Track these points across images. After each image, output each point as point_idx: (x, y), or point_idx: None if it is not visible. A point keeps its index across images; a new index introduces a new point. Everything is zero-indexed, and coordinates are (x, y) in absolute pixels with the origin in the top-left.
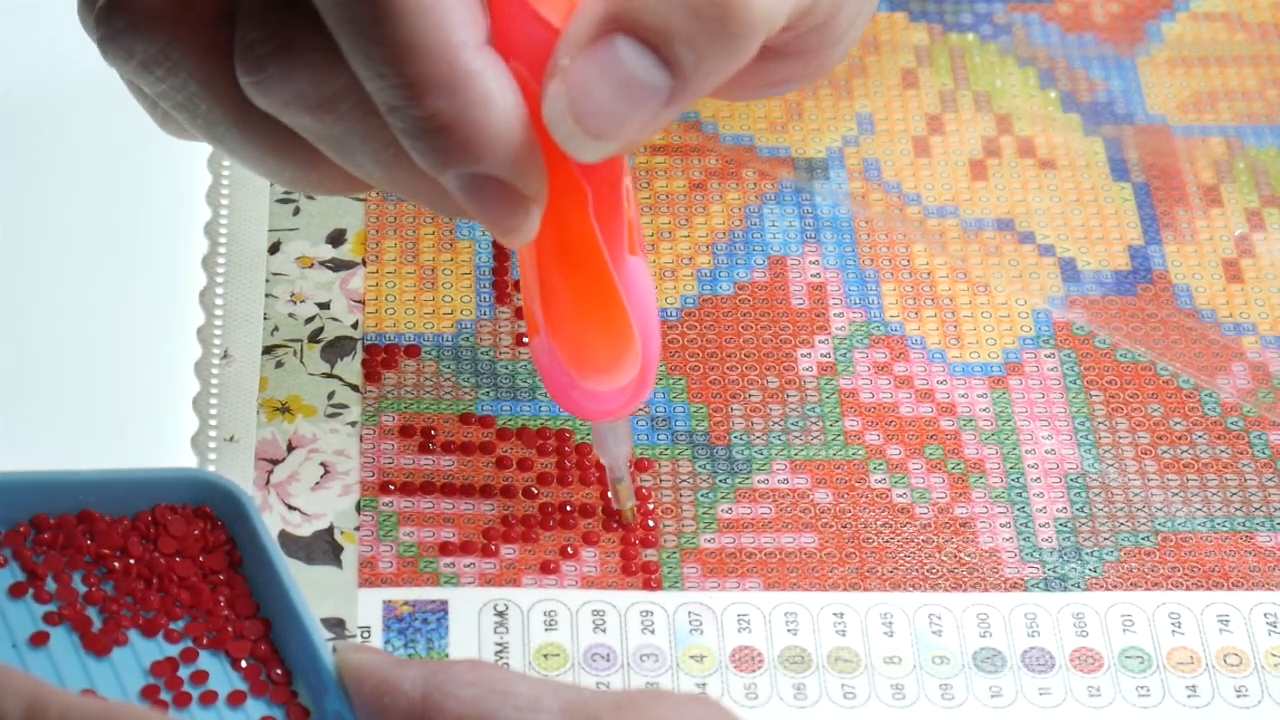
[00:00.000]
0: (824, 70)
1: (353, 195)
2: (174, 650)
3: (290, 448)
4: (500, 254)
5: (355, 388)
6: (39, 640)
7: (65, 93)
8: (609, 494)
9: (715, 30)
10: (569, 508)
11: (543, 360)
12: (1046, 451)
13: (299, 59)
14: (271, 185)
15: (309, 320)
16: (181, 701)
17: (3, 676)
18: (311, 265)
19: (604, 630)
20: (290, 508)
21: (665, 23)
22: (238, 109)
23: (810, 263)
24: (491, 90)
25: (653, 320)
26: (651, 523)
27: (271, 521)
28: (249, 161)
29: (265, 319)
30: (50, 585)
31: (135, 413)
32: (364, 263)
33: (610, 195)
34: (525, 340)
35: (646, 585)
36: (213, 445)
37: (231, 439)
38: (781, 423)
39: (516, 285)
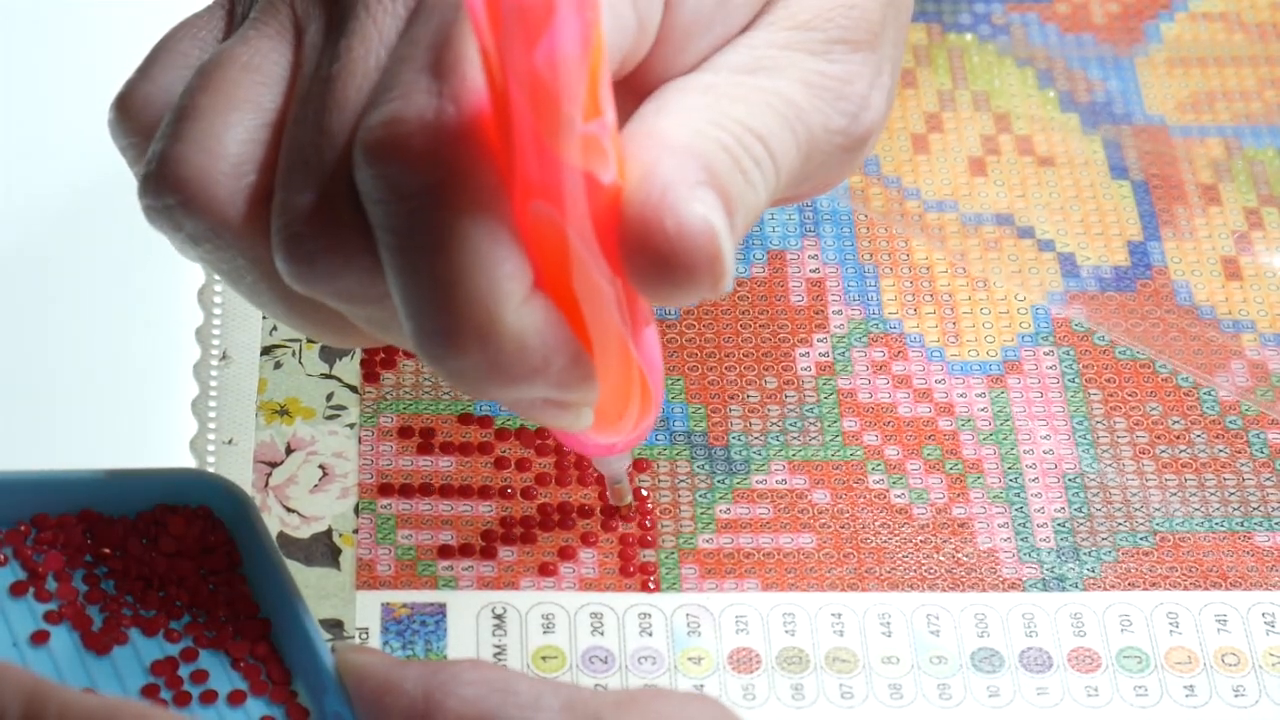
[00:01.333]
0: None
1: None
2: (174, 649)
3: (289, 450)
4: None
5: (354, 389)
6: (39, 639)
7: (65, 93)
8: (608, 493)
9: (750, 217)
10: (568, 508)
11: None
12: (1045, 452)
13: (351, 261)
14: None
15: None
16: (181, 700)
17: (2, 673)
18: None
19: (602, 633)
20: (289, 510)
21: (737, 194)
22: (286, 290)
23: (809, 257)
24: (529, 335)
25: (660, 374)
26: (649, 523)
27: (270, 524)
28: (293, 328)
29: (264, 319)
30: (51, 584)
31: (135, 413)
32: None
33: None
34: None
35: (644, 586)
36: (211, 448)
37: (230, 442)
38: (780, 423)
39: None
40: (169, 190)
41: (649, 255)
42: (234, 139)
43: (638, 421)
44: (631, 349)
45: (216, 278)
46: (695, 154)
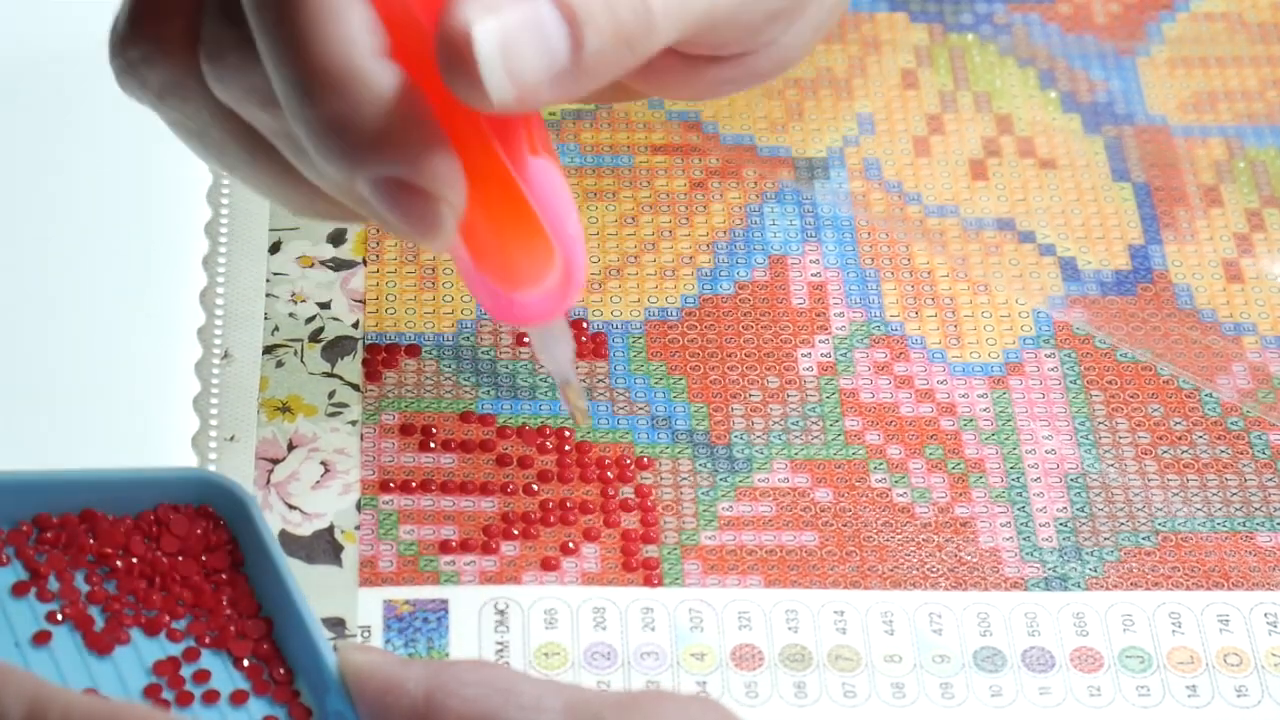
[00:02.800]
0: (771, 72)
1: (347, 223)
2: (176, 649)
3: (291, 447)
4: None
5: (356, 387)
6: (41, 639)
7: (66, 94)
8: (565, 408)
9: (624, 30)
10: (569, 504)
11: (467, 270)
12: (1047, 451)
13: (254, 53)
14: None
15: (309, 320)
16: (184, 701)
17: (5, 676)
18: (312, 265)
19: (604, 628)
20: (291, 507)
21: (584, 5)
22: (241, 132)
23: (811, 262)
24: (383, 87)
25: (568, 219)
26: (650, 518)
27: (272, 521)
28: (256, 186)
29: (266, 318)
30: (53, 584)
31: (136, 413)
32: (364, 262)
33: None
34: (525, 340)
35: (647, 581)
36: (213, 445)
37: (232, 438)
38: (782, 422)
39: None
40: (132, 46)
41: (438, 41)
42: None
43: (542, 268)
44: (500, 155)
45: (219, 278)
46: None
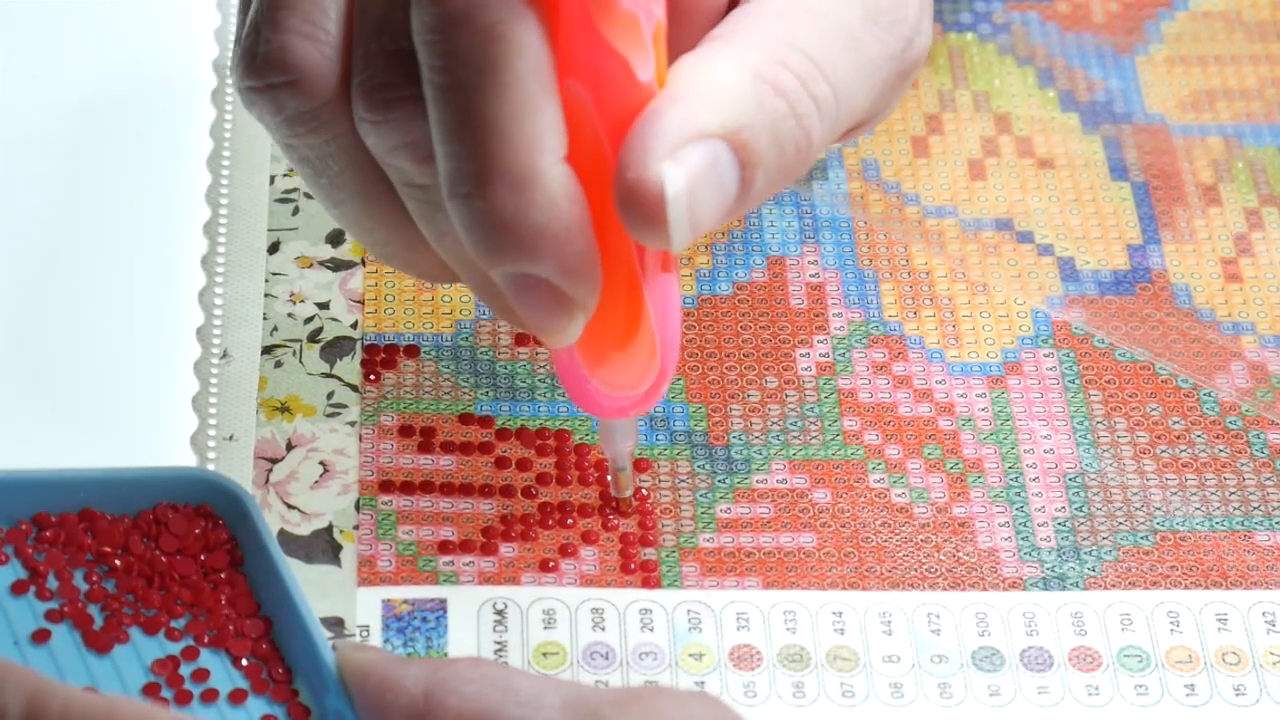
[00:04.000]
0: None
1: (437, 282)
2: (175, 648)
3: (289, 447)
4: None
5: (354, 387)
6: (40, 638)
7: (66, 94)
8: (609, 482)
9: (787, 166)
10: (568, 507)
11: (562, 358)
12: (1045, 451)
13: (422, 111)
14: (271, 184)
15: (308, 320)
16: (183, 699)
17: (4, 672)
18: (311, 265)
19: (603, 628)
20: (289, 506)
21: (758, 147)
22: (367, 175)
23: (809, 263)
24: (558, 194)
25: (676, 332)
26: (649, 522)
27: (271, 520)
28: (358, 230)
29: (264, 319)
30: (52, 583)
31: (135, 412)
32: (363, 263)
33: None
34: (525, 342)
35: (645, 584)
36: (212, 444)
37: (231, 438)
38: (780, 423)
39: None
40: (275, 71)
41: (616, 186)
42: (330, 18)
43: (643, 375)
44: (638, 272)
45: (218, 278)
46: (721, 101)
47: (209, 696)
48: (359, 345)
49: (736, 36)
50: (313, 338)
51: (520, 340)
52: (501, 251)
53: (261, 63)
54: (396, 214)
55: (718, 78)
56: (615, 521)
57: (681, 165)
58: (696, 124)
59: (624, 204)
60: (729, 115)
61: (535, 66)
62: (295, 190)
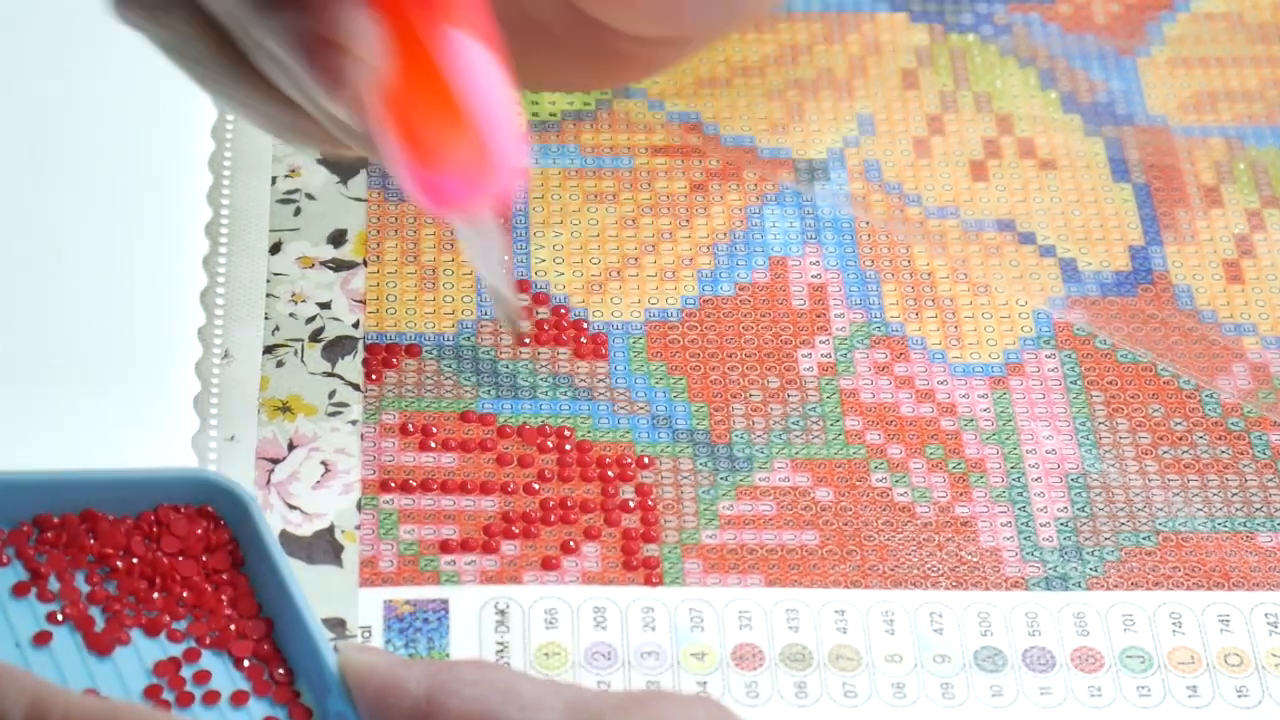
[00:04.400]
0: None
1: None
2: (177, 650)
3: (291, 446)
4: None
5: (356, 386)
6: (42, 640)
7: (65, 94)
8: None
9: None
10: (570, 503)
11: (395, 158)
12: (1047, 451)
13: None
14: (273, 185)
15: (310, 320)
16: (184, 701)
17: (6, 676)
18: (312, 265)
19: (605, 628)
20: (291, 507)
21: None
22: (220, 44)
23: (811, 263)
24: None
25: (492, 100)
26: (651, 517)
27: (272, 521)
28: (239, 103)
29: (266, 319)
30: (53, 585)
31: (136, 413)
32: (365, 263)
33: None
34: (526, 341)
35: (648, 580)
36: (213, 445)
37: (232, 438)
38: (782, 422)
39: (518, 286)
40: None
41: None
42: None
43: (469, 154)
44: (418, 27)
45: (220, 278)
46: None
47: (210, 698)
48: (360, 344)
49: None
50: (314, 337)
51: (521, 340)
52: (268, 8)
53: None
54: (260, 80)
55: None
56: (618, 517)
57: None
58: None
59: None
60: None
61: None
62: (297, 191)
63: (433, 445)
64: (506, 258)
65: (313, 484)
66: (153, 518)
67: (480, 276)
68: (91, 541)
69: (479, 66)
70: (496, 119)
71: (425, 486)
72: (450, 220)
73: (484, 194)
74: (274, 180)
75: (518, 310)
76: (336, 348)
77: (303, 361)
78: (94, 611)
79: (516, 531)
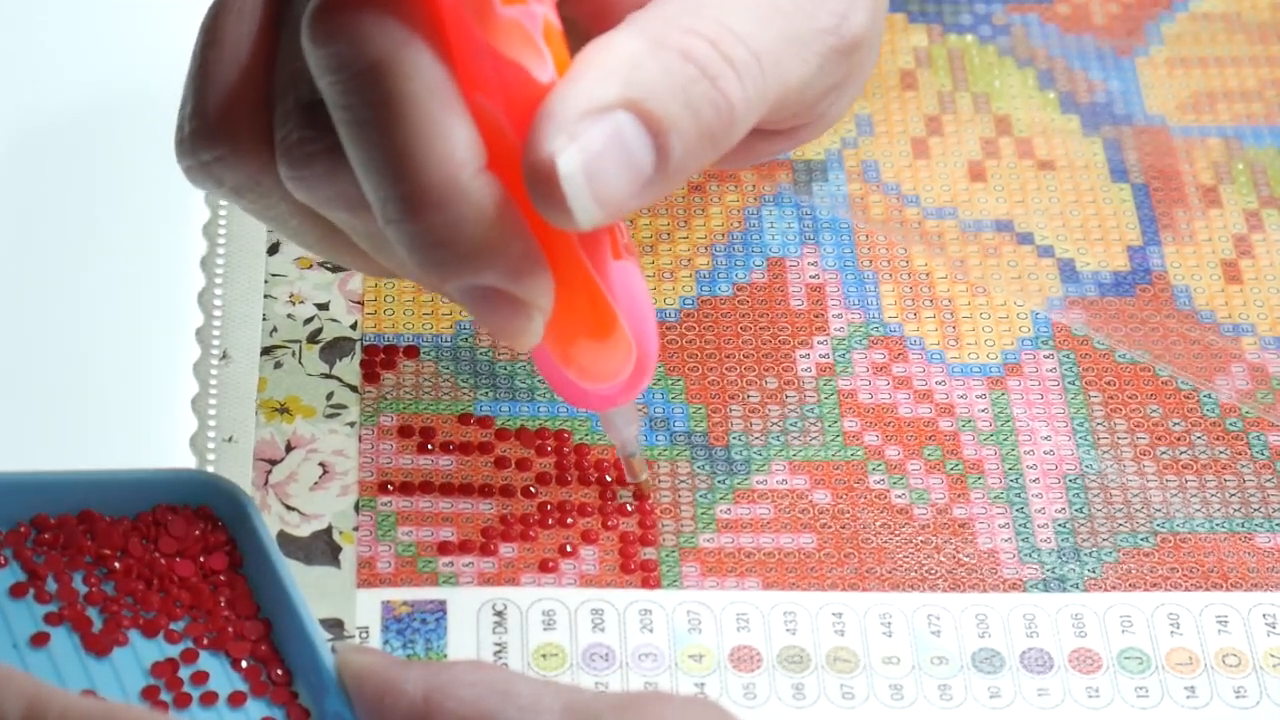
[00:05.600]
0: (814, 137)
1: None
2: (174, 651)
3: (289, 448)
4: None
5: (354, 388)
6: (39, 641)
7: (67, 96)
8: (624, 470)
9: (709, 130)
10: (568, 506)
11: (541, 356)
12: (1045, 452)
13: (343, 159)
14: None
15: (308, 321)
16: (182, 702)
17: (3, 677)
18: (310, 266)
19: (602, 629)
20: (289, 508)
21: (667, 113)
22: (321, 224)
23: (809, 264)
24: (485, 204)
25: (646, 318)
26: (649, 520)
27: (270, 522)
28: (336, 260)
29: (264, 320)
30: (51, 585)
31: (135, 413)
32: None
33: None
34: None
35: (645, 584)
36: (211, 446)
37: (230, 439)
38: (780, 423)
39: None
40: (205, 148)
41: (525, 169)
42: (248, 83)
43: (621, 364)
44: (586, 263)
45: (218, 279)
46: (620, 72)
47: (208, 699)
48: (358, 346)
49: (644, 15)
50: (312, 338)
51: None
52: (445, 267)
53: (189, 141)
54: (366, 255)
55: (618, 52)
56: (615, 520)
57: (576, 141)
58: (593, 97)
59: (530, 188)
60: (629, 84)
61: (432, 87)
62: None
63: (431, 447)
64: (637, 428)
65: (311, 485)
66: (151, 518)
67: (616, 446)
68: (89, 542)
69: (635, 289)
70: (648, 333)
71: (423, 488)
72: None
73: (635, 394)
74: None
75: (646, 477)
76: (334, 349)
77: (301, 363)
78: (92, 612)
79: (514, 534)
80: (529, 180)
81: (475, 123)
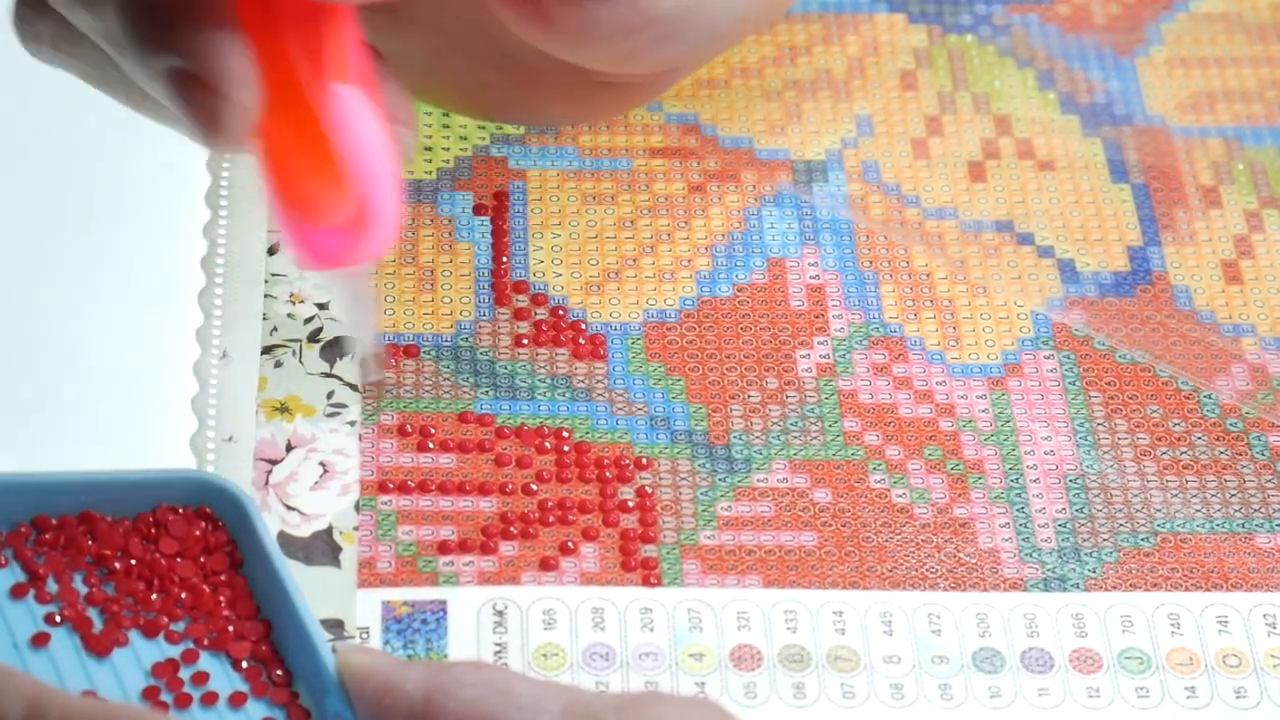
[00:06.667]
0: (648, 94)
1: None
2: (175, 651)
3: (289, 447)
4: (499, 256)
5: (354, 387)
6: (40, 641)
7: (66, 94)
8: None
9: None
10: (568, 504)
11: (279, 203)
12: (1046, 452)
13: None
14: None
15: (308, 320)
16: (182, 703)
17: (3, 677)
18: None
19: (603, 628)
20: (289, 508)
21: None
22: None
23: (809, 264)
24: None
25: (372, 158)
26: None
27: (270, 522)
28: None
29: (264, 319)
30: (51, 586)
31: (135, 413)
32: None
33: (311, 25)
34: (524, 342)
35: (646, 581)
36: (211, 445)
37: (230, 439)
38: (781, 423)
39: (516, 287)
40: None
41: None
42: None
43: (339, 203)
44: (301, 80)
45: (218, 279)
46: None
47: (209, 699)
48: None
49: None
50: (312, 338)
51: (519, 341)
52: (146, 42)
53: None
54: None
55: None
56: (616, 518)
57: None
58: None
59: None
60: None
61: None
62: None
63: (431, 446)
64: (373, 314)
65: (311, 485)
66: (151, 519)
67: (351, 334)
68: (89, 543)
69: (359, 120)
70: (375, 176)
71: (423, 487)
72: (324, 276)
73: (361, 253)
74: None
75: (380, 364)
76: (335, 348)
77: (301, 362)
78: (92, 613)
79: (515, 532)
80: None
81: None
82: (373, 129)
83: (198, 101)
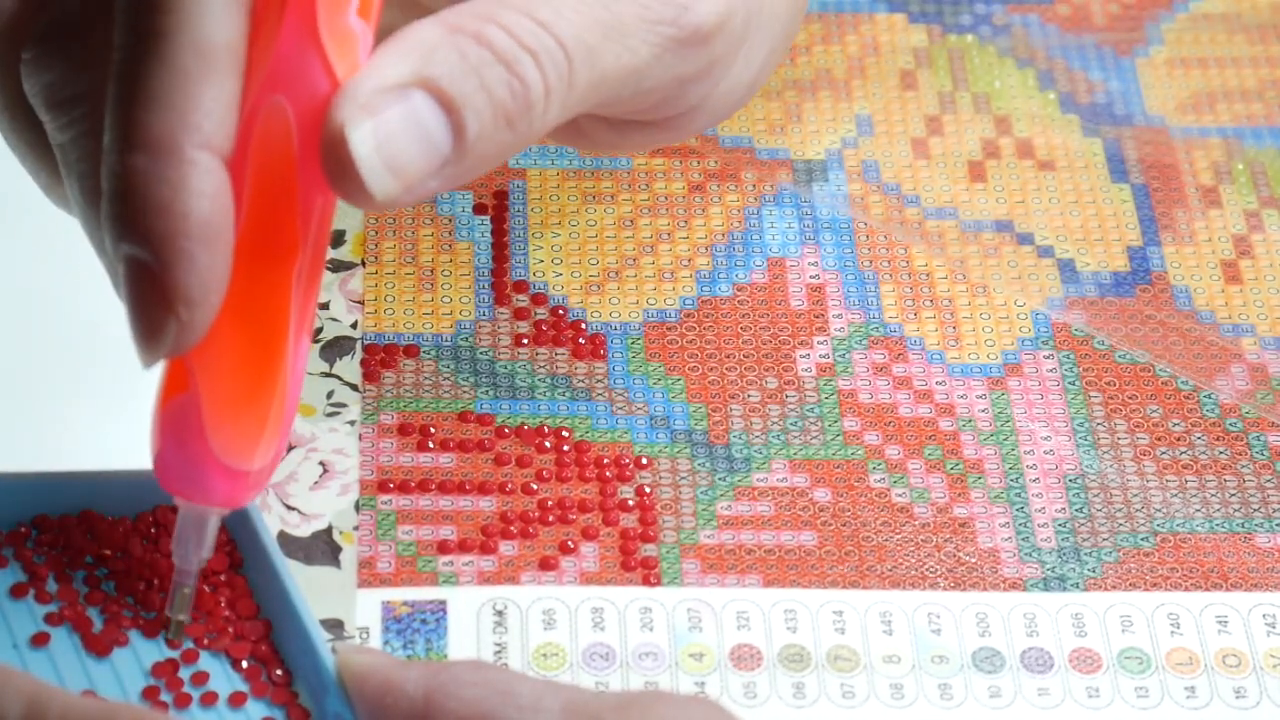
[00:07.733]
0: (710, 124)
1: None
2: (174, 651)
3: (289, 447)
4: (499, 256)
5: (354, 387)
6: (40, 641)
7: None
8: (168, 597)
9: (506, 113)
10: (568, 503)
11: (170, 422)
12: (1045, 452)
13: (68, 49)
14: None
15: None
16: (182, 702)
17: (2, 677)
18: None
19: (603, 628)
20: (289, 508)
21: (460, 91)
22: (22, 121)
23: (809, 264)
24: (193, 184)
25: (293, 413)
26: (649, 517)
27: (270, 522)
28: (17, 156)
29: None
30: (51, 585)
31: (135, 413)
32: (363, 263)
33: (315, 269)
34: (524, 342)
35: (646, 580)
36: None
37: None
38: (780, 423)
39: (516, 286)
40: None
41: (321, 145)
42: None
43: (264, 448)
44: (287, 326)
45: None
46: (416, 53)
47: (208, 699)
48: (359, 345)
49: (451, 9)
50: (312, 337)
51: (519, 341)
52: (118, 221)
53: None
54: (42, 150)
55: (415, 38)
56: (616, 517)
57: (368, 113)
58: (387, 75)
59: (324, 162)
60: (424, 64)
61: (207, 48)
62: None
63: (431, 446)
64: (205, 551)
65: (311, 484)
66: (151, 519)
67: (177, 563)
68: (89, 542)
69: (301, 378)
70: (291, 422)
71: (423, 487)
72: (184, 503)
73: (236, 500)
74: None
75: (187, 615)
76: (334, 348)
77: None
78: (92, 612)
79: (514, 532)
80: (325, 154)
81: (250, 115)
82: (300, 388)
83: (148, 304)
